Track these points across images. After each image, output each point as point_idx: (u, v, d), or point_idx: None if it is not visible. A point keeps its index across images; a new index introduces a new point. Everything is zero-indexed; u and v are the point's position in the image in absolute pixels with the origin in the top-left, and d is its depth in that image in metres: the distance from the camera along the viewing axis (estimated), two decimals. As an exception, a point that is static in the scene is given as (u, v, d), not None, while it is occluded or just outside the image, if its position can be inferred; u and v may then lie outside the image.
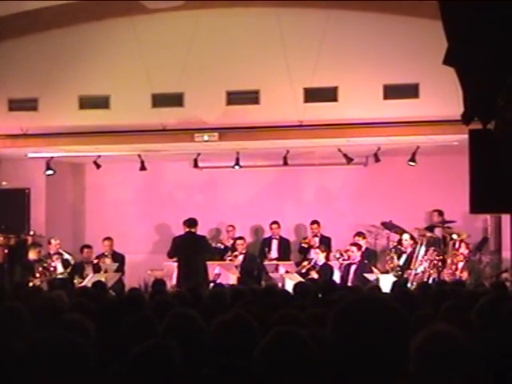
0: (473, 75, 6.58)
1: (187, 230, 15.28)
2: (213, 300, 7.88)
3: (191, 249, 14.90)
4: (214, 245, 16.66)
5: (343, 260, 14.90)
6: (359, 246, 14.95)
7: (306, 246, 16.31)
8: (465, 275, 14.10)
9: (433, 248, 14.49)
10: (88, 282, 13.54)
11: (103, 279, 13.05)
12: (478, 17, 6.41)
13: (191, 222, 15.31)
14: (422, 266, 14.28)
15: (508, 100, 6.81)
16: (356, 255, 14.69)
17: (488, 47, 6.48)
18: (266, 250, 16.50)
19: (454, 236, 14.64)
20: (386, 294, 8.24)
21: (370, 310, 2.66)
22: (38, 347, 3.22)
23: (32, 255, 15.32)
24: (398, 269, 14.70)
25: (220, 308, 6.95)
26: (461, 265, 14.25)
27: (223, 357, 4.10)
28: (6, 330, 4.31)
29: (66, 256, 15.71)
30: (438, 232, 15.46)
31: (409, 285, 12.98)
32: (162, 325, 4.88)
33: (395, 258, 14.94)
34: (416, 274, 14.23)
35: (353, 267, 14.56)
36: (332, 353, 2.68)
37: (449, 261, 14.27)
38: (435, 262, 14.26)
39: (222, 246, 16.83)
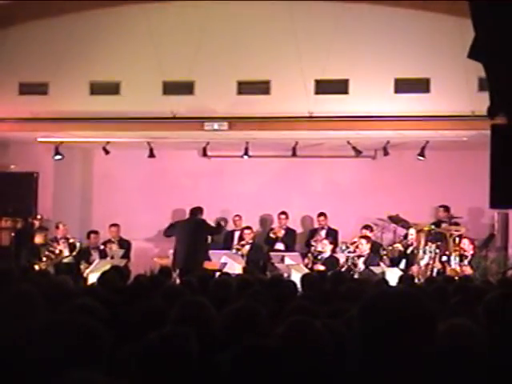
0: (499, 70, 6.53)
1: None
2: (217, 289, 7.89)
3: (188, 231, 15.27)
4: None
5: (349, 253, 14.90)
6: (368, 239, 14.95)
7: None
8: (468, 270, 14.06)
9: (437, 242, 14.46)
10: (94, 267, 13.58)
11: (109, 265, 13.05)
12: (507, 11, 6.36)
13: (195, 211, 15.81)
14: (424, 260, 14.25)
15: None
16: (365, 248, 14.71)
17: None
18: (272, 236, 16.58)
19: (454, 231, 14.62)
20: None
21: (398, 303, 2.67)
22: (52, 330, 3.22)
23: (38, 239, 15.36)
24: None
25: (225, 297, 6.98)
26: (464, 260, 14.22)
27: (234, 345, 4.12)
28: (19, 313, 4.32)
29: (72, 240, 15.70)
30: (443, 227, 15.44)
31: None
32: (173, 312, 4.89)
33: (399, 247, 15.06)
34: (420, 268, 14.21)
35: (361, 260, 14.58)
36: (360, 347, 2.68)
37: (452, 256, 14.23)
38: (439, 255, 14.23)
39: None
